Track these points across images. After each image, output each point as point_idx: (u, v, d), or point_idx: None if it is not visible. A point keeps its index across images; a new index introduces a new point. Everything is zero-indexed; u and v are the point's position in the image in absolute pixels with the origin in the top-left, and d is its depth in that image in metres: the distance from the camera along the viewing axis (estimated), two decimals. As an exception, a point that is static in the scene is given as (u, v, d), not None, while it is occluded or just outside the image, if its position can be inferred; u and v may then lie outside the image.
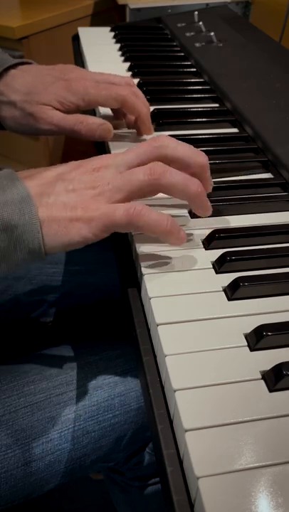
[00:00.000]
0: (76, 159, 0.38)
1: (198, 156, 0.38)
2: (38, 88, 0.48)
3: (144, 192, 0.36)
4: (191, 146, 0.38)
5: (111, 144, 0.52)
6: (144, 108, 0.50)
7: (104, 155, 0.39)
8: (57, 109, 0.48)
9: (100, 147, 0.55)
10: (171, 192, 0.37)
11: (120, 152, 0.39)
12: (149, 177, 0.35)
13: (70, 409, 0.48)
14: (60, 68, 0.51)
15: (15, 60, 0.51)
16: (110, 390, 0.50)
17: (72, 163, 0.38)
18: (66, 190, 0.35)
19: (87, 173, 0.36)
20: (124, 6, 1.09)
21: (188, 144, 0.38)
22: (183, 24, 0.84)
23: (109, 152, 0.52)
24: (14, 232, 0.32)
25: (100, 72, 0.53)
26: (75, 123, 0.48)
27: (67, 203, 0.34)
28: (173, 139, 0.38)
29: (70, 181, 0.35)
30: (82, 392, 0.49)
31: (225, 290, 0.36)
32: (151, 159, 0.37)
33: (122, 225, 0.35)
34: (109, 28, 0.87)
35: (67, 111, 0.49)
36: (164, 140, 0.37)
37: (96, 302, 0.65)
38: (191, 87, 0.66)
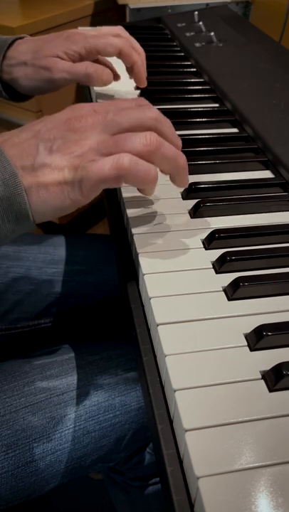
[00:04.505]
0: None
1: (178, 140, 0.39)
2: (42, 46, 0.53)
3: None
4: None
5: None
6: (139, 59, 0.55)
7: (89, 107, 0.36)
8: (64, 60, 0.52)
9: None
10: (160, 164, 0.36)
11: (107, 103, 0.37)
12: (146, 148, 0.34)
13: (71, 409, 0.48)
14: (57, 32, 0.56)
15: (18, 36, 0.56)
16: (111, 389, 0.50)
17: (51, 119, 0.35)
18: (50, 151, 0.33)
19: (71, 131, 0.34)
20: (124, 6, 1.09)
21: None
22: (183, 24, 0.84)
23: None
24: (0, 206, 0.31)
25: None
26: (86, 66, 0.52)
27: (53, 164, 0.33)
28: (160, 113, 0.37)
29: (53, 141, 0.33)
30: (82, 392, 0.49)
31: (225, 290, 0.36)
32: (145, 129, 0.35)
33: (111, 179, 0.33)
34: (109, 28, 0.87)
35: (73, 61, 0.53)
36: (159, 116, 0.36)
37: (96, 302, 0.65)
38: (191, 87, 0.66)
